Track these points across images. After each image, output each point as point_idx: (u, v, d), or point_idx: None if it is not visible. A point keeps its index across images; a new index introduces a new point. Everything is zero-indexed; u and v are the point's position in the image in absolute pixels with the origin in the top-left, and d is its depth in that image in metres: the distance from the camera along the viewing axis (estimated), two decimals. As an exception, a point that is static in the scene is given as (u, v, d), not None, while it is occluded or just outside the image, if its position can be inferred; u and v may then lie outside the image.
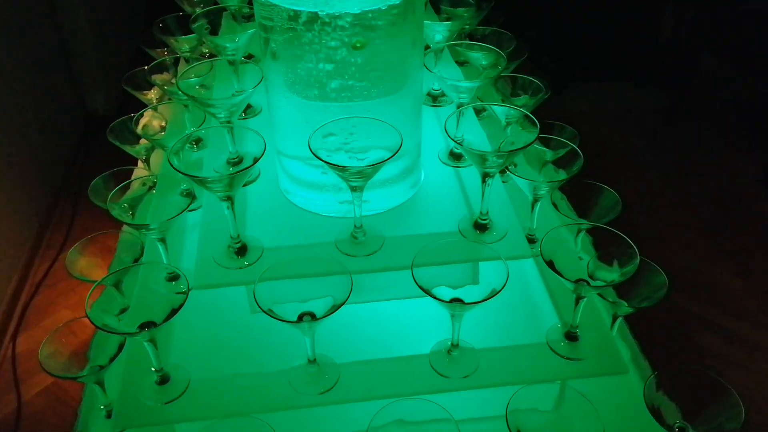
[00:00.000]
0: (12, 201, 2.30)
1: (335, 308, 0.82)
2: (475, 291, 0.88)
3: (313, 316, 0.85)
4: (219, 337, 1.04)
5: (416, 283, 0.84)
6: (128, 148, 1.31)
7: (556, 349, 0.96)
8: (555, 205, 1.23)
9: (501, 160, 0.91)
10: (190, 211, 1.10)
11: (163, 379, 0.91)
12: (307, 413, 0.95)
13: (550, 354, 0.95)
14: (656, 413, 0.90)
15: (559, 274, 0.87)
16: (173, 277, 0.90)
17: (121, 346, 0.95)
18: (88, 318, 0.83)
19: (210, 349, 1.02)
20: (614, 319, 1.09)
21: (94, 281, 0.91)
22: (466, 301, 0.86)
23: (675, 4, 3.28)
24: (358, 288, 1.08)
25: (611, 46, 3.39)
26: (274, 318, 0.82)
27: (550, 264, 0.88)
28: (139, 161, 1.34)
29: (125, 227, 1.23)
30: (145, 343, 0.87)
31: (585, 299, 0.92)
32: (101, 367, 0.94)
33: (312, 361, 0.92)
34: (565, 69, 3.41)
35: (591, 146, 3.11)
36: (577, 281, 0.90)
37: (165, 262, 1.01)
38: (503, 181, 1.22)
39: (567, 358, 0.94)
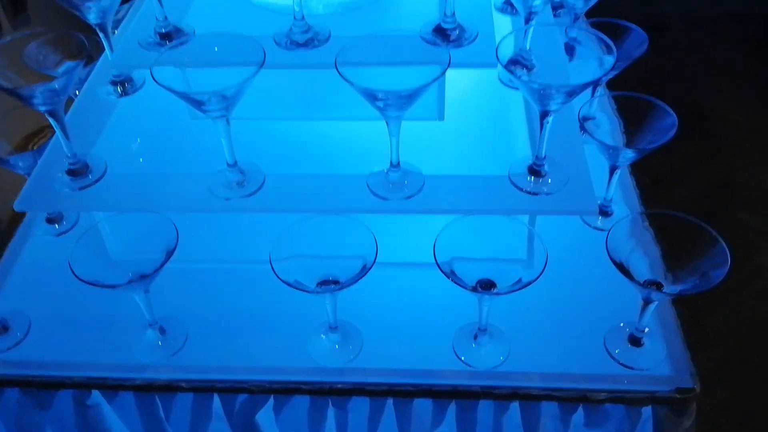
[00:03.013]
0: None
1: (246, 81, 0.71)
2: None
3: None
4: (151, 139, 0.96)
5: (338, 72, 0.71)
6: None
7: (516, 182, 0.82)
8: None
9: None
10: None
11: (77, 169, 0.85)
12: (226, 222, 0.86)
13: (508, 185, 0.81)
14: (623, 267, 0.75)
15: (507, 70, 0.72)
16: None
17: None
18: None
19: (140, 149, 0.94)
20: (612, 171, 0.93)
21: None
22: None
23: None
24: (305, 104, 0.98)
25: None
26: (180, 97, 0.72)
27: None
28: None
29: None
30: (50, 119, 0.80)
31: (551, 117, 0.76)
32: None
33: (232, 165, 0.82)
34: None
35: (683, 51, 2.80)
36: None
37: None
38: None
39: (526, 191, 0.80)
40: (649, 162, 0.92)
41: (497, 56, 0.72)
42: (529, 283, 0.71)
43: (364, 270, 0.73)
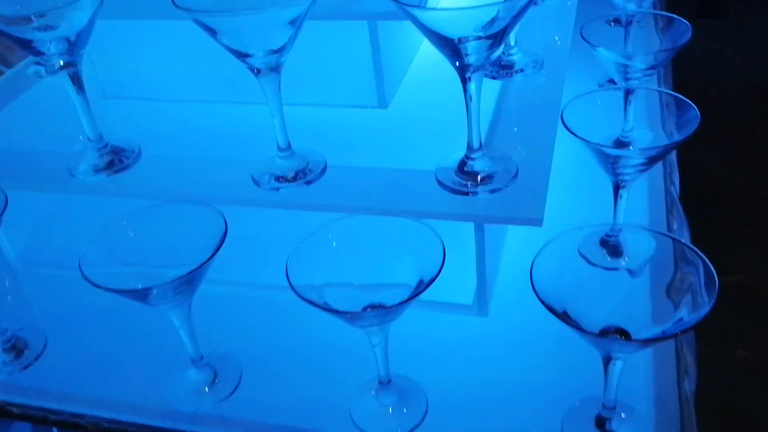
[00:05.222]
0: None
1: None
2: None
3: None
4: (54, 118, 0.83)
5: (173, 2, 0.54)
6: None
7: (441, 178, 0.59)
8: None
9: None
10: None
11: None
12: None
13: (432, 182, 0.59)
14: (565, 314, 0.49)
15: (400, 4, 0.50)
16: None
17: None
18: None
19: (35, 128, 0.82)
20: (616, 189, 0.67)
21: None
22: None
23: None
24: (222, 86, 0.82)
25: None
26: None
27: None
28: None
29: None
30: None
31: (472, 83, 0.54)
32: None
33: (95, 140, 0.66)
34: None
35: (758, 90, 2.28)
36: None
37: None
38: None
39: (452, 190, 0.57)
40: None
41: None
42: (416, 295, 0.48)
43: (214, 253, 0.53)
